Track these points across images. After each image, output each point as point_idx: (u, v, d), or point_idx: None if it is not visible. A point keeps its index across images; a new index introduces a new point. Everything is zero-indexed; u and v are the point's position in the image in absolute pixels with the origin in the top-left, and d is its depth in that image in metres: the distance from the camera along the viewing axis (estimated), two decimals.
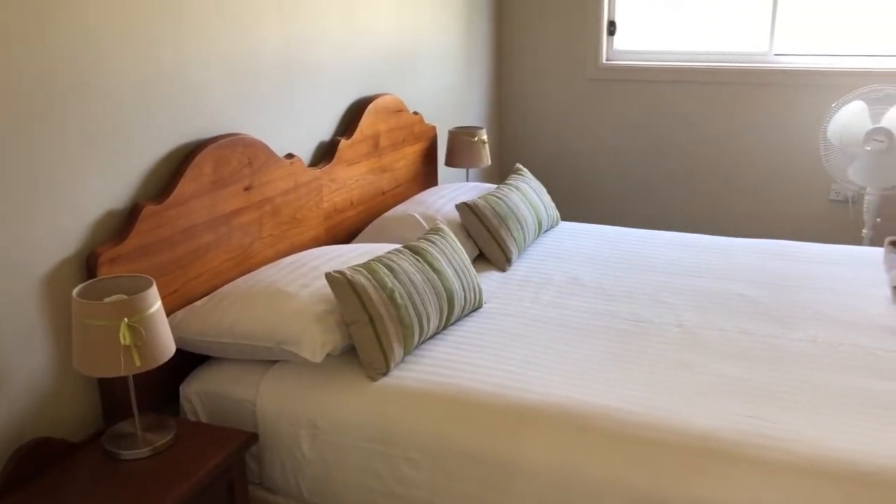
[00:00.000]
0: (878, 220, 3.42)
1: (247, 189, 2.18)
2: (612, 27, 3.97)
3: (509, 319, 2.18)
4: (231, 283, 2.06)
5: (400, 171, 3.07)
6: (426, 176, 3.32)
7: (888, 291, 2.33)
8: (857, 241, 3.52)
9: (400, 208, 2.79)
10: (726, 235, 3.09)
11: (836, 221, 3.73)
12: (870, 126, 3.25)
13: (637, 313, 2.23)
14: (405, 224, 2.65)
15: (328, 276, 1.89)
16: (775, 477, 1.52)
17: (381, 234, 2.63)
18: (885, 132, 3.21)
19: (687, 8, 3.90)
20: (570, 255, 2.72)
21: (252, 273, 2.13)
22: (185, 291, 1.99)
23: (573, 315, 2.22)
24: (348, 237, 2.71)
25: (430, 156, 3.33)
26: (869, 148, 3.24)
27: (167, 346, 1.61)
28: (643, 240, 2.88)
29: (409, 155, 3.15)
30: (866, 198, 3.41)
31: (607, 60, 4.01)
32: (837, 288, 2.37)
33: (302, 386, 1.88)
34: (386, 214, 2.75)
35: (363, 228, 2.75)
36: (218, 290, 2.03)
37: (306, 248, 2.40)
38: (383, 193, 2.95)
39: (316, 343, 1.84)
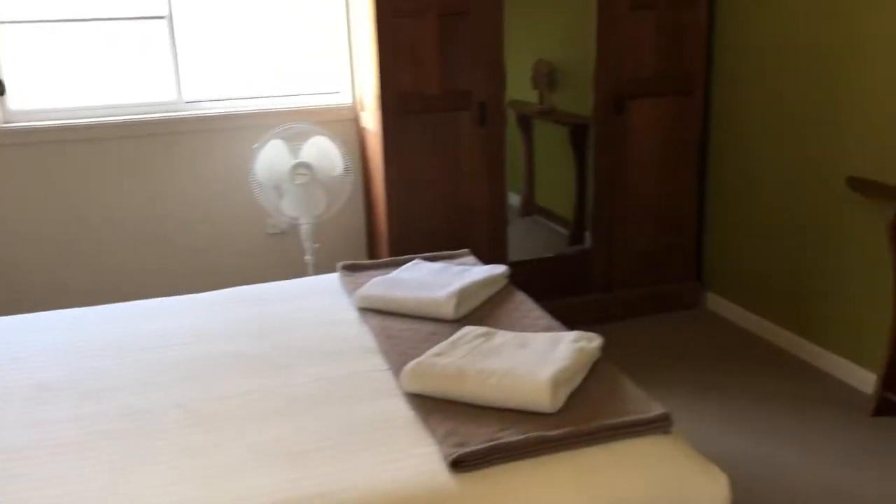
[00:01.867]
0: (317, 245, 3.69)
1: None
2: None
3: None
4: None
5: None
6: None
7: (356, 314, 2.51)
8: (302, 267, 3.75)
9: None
10: (184, 291, 2.99)
11: (278, 253, 3.92)
12: (292, 161, 3.47)
13: (129, 405, 1.97)
14: None
15: None
16: None
17: None
18: (307, 165, 3.47)
19: (85, 61, 3.62)
20: (23, 359, 2.28)
21: None
22: None
23: (53, 431, 1.86)
24: None
25: None
26: (296, 182, 3.47)
27: None
28: (106, 317, 2.58)
29: None
30: (302, 227, 3.64)
31: (4, 123, 3.50)
32: (313, 321, 2.47)
33: None
34: None
35: None
36: None
37: None
38: None
39: None
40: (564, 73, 3.82)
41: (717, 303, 3.97)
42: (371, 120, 3.59)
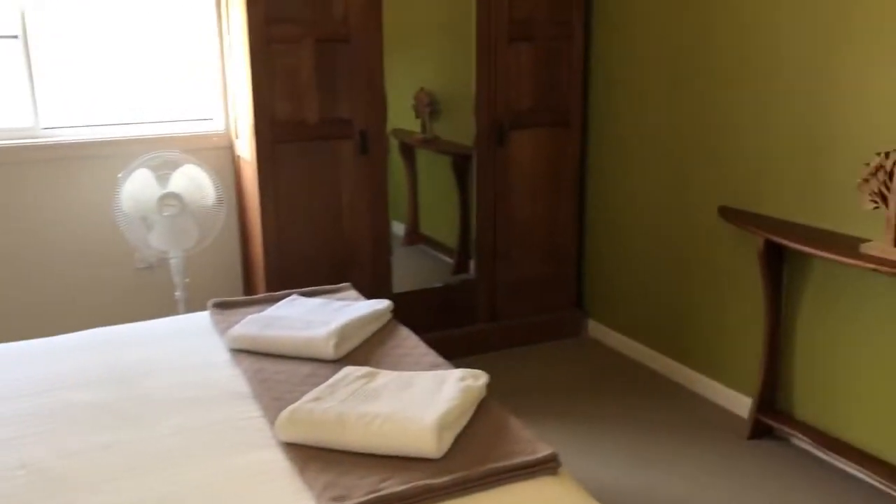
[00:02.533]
0: (187, 280, 3.48)
1: None
2: None
3: None
4: None
5: None
6: None
7: (227, 355, 2.35)
8: (172, 303, 3.52)
9: None
10: (45, 333, 2.69)
11: (147, 288, 3.68)
12: (160, 191, 3.27)
13: None
14: None
15: None
16: None
17: None
18: (176, 196, 3.27)
19: None
20: None
21: None
22: None
23: None
24: None
25: None
26: (164, 213, 3.27)
27: None
28: None
29: None
30: (172, 261, 3.43)
31: None
32: (179, 365, 2.29)
33: None
34: None
35: None
36: None
37: None
38: None
39: None
40: (446, 103, 3.80)
41: (598, 330, 4.01)
42: (246, 148, 3.43)
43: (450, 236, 4.00)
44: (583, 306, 4.11)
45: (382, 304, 2.56)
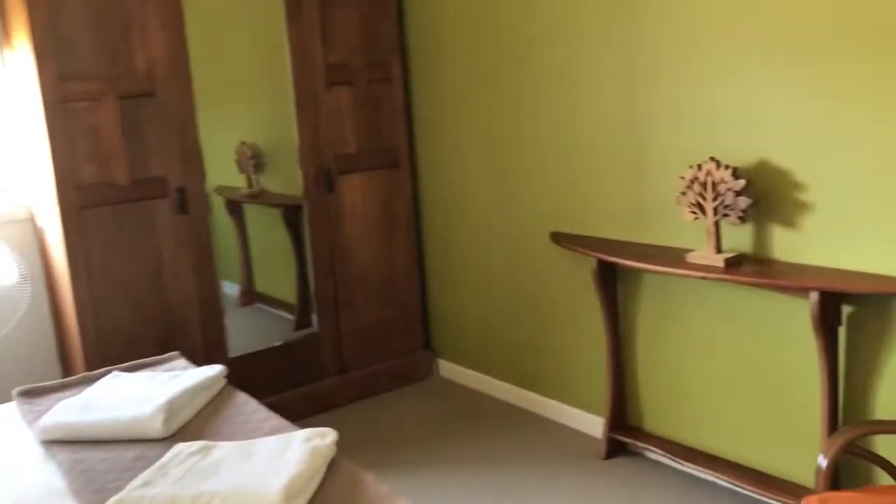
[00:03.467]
0: None
1: None
2: None
3: None
4: None
5: None
6: None
7: (40, 449, 2.07)
8: None
9: None
10: None
11: None
12: None
13: None
14: None
15: None
16: None
17: None
18: None
19: None
20: None
21: None
22: None
23: None
24: None
25: None
26: None
27: None
28: None
29: None
30: None
31: None
32: None
33: None
34: None
35: None
36: None
37: None
38: None
39: None
40: (270, 155, 3.67)
41: (449, 369, 3.96)
42: (50, 218, 3.13)
43: (288, 291, 3.83)
44: (431, 347, 4.05)
45: (214, 369, 2.37)
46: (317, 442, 1.79)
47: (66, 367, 3.41)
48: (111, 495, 1.68)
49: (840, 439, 1.94)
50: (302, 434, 1.84)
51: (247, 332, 3.62)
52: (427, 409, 3.65)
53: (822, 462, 1.92)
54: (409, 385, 3.90)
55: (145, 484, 1.68)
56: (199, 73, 3.24)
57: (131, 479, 1.77)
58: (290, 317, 3.84)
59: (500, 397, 3.66)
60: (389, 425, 3.50)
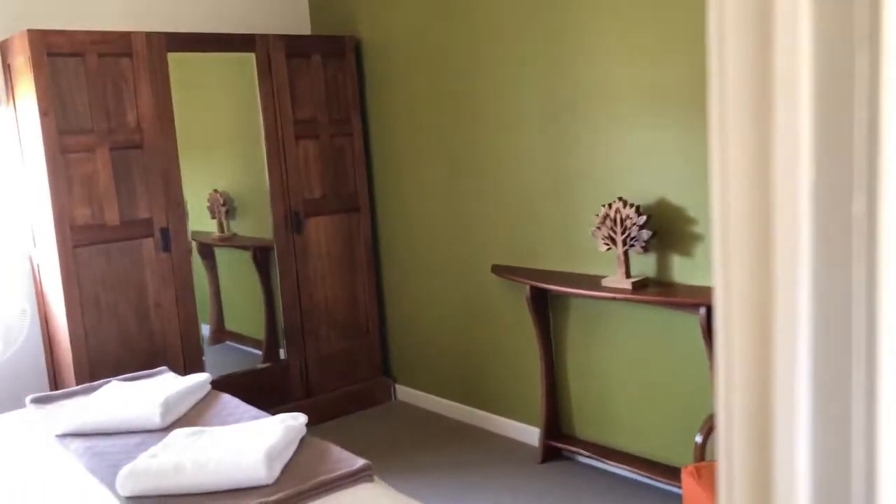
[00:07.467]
0: None
1: None
2: None
3: None
4: None
5: None
6: None
7: (55, 441, 2.44)
8: None
9: None
10: None
11: None
12: None
13: None
14: None
15: None
16: None
17: None
18: None
19: None
20: None
21: None
22: None
23: None
24: None
25: None
26: None
27: None
28: None
29: None
30: None
31: None
32: (3, 455, 2.35)
33: None
34: None
35: None
36: None
37: None
38: None
39: None
40: (241, 201, 4.09)
41: (406, 393, 4.37)
42: (47, 255, 3.51)
43: (256, 328, 4.21)
44: (390, 373, 4.46)
45: (201, 376, 2.77)
46: (290, 422, 2.21)
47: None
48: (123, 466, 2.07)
49: (711, 421, 2.41)
50: (278, 417, 2.26)
51: (218, 367, 3.97)
52: (386, 429, 4.05)
53: (698, 439, 2.37)
54: (369, 408, 4.30)
55: (152, 456, 2.07)
56: (182, 127, 3.68)
57: (138, 457, 2.15)
58: (257, 352, 4.21)
59: (451, 416, 4.08)
60: (352, 444, 3.86)
